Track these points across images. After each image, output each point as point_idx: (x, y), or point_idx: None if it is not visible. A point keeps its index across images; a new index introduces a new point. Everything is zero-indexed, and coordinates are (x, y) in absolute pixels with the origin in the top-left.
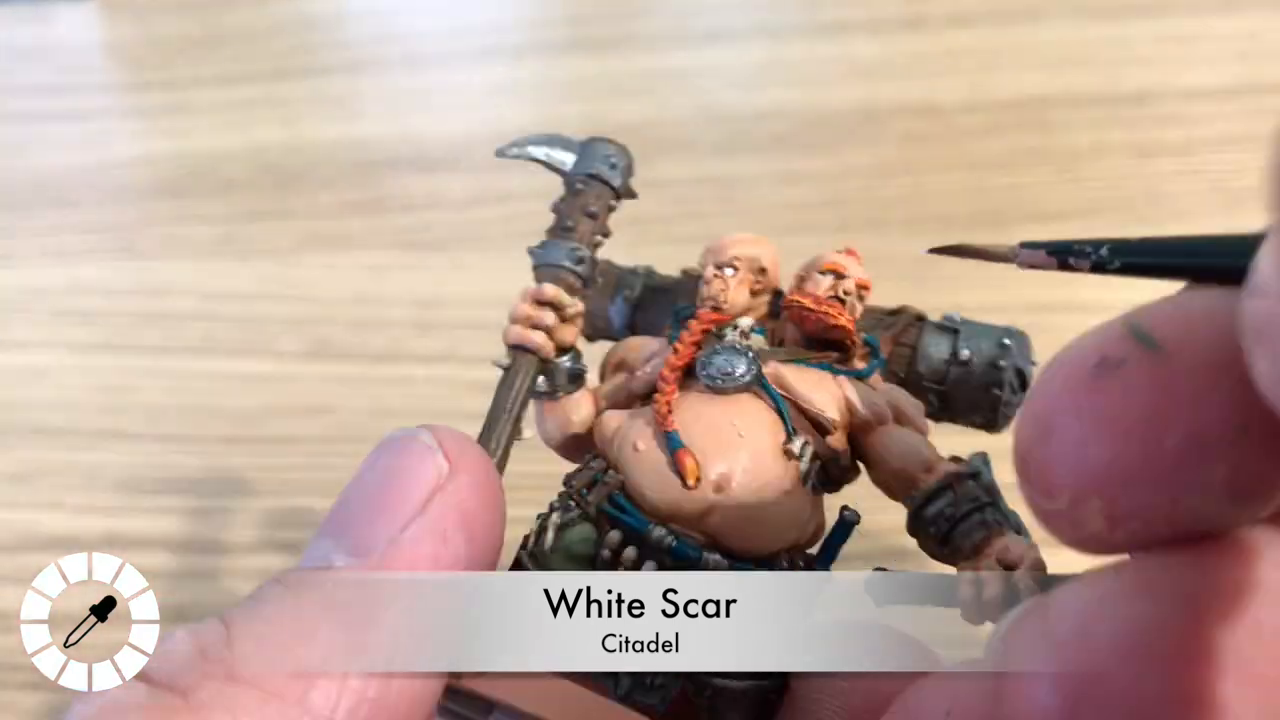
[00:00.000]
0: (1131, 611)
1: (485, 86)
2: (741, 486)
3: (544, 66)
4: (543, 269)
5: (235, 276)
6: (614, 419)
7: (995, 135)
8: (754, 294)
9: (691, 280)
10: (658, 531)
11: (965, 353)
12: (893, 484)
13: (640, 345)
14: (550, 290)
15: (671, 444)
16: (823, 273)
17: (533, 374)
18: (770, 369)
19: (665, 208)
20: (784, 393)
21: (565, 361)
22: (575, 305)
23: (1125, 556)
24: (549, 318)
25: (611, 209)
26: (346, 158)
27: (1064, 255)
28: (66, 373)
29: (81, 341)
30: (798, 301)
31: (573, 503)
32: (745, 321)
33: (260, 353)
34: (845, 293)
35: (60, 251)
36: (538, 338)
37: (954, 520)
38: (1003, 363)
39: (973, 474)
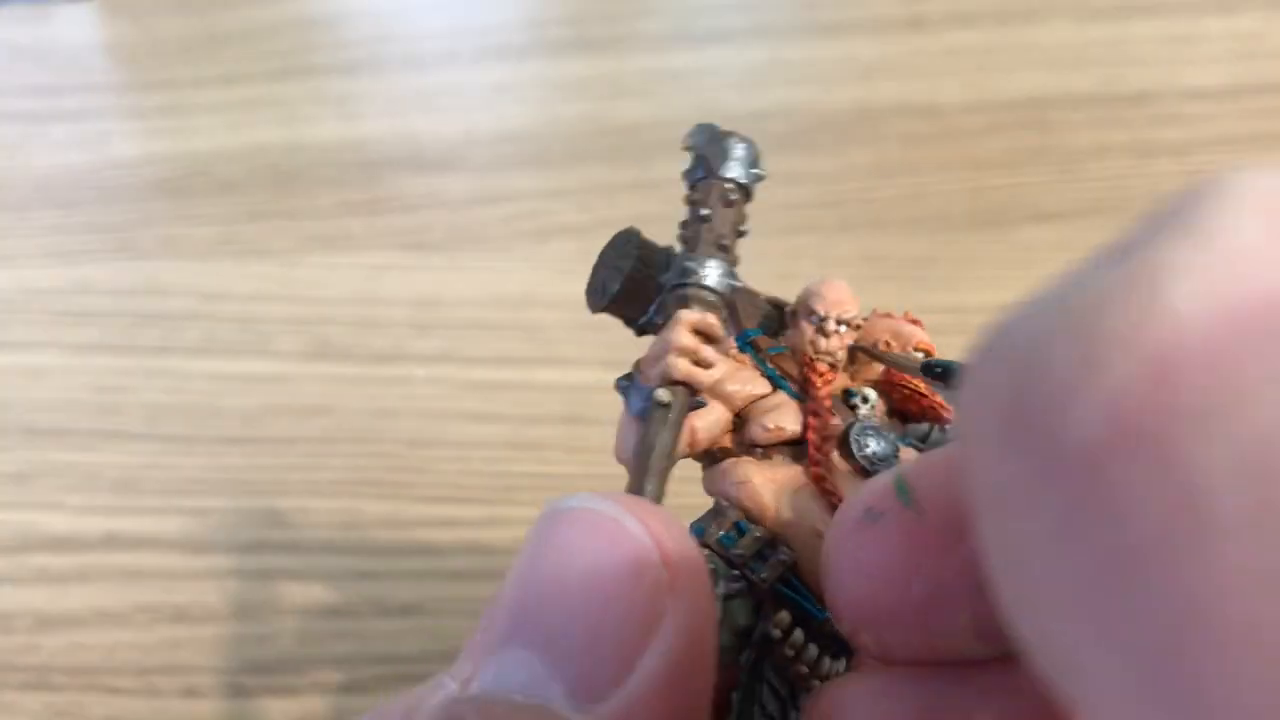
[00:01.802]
0: (877, 711)
1: (485, 86)
2: None
3: (544, 66)
4: (698, 292)
5: (235, 277)
6: (760, 477)
7: (995, 135)
8: (856, 332)
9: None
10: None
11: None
12: None
13: (737, 374)
14: (716, 324)
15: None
16: (917, 349)
17: (686, 410)
18: (902, 451)
19: (665, 208)
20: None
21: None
22: (727, 339)
23: None
24: (708, 351)
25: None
26: (346, 158)
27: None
28: (65, 373)
29: (80, 341)
30: (913, 388)
31: (737, 572)
32: (871, 394)
33: (260, 353)
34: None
35: (59, 251)
36: (703, 376)
37: None
38: None
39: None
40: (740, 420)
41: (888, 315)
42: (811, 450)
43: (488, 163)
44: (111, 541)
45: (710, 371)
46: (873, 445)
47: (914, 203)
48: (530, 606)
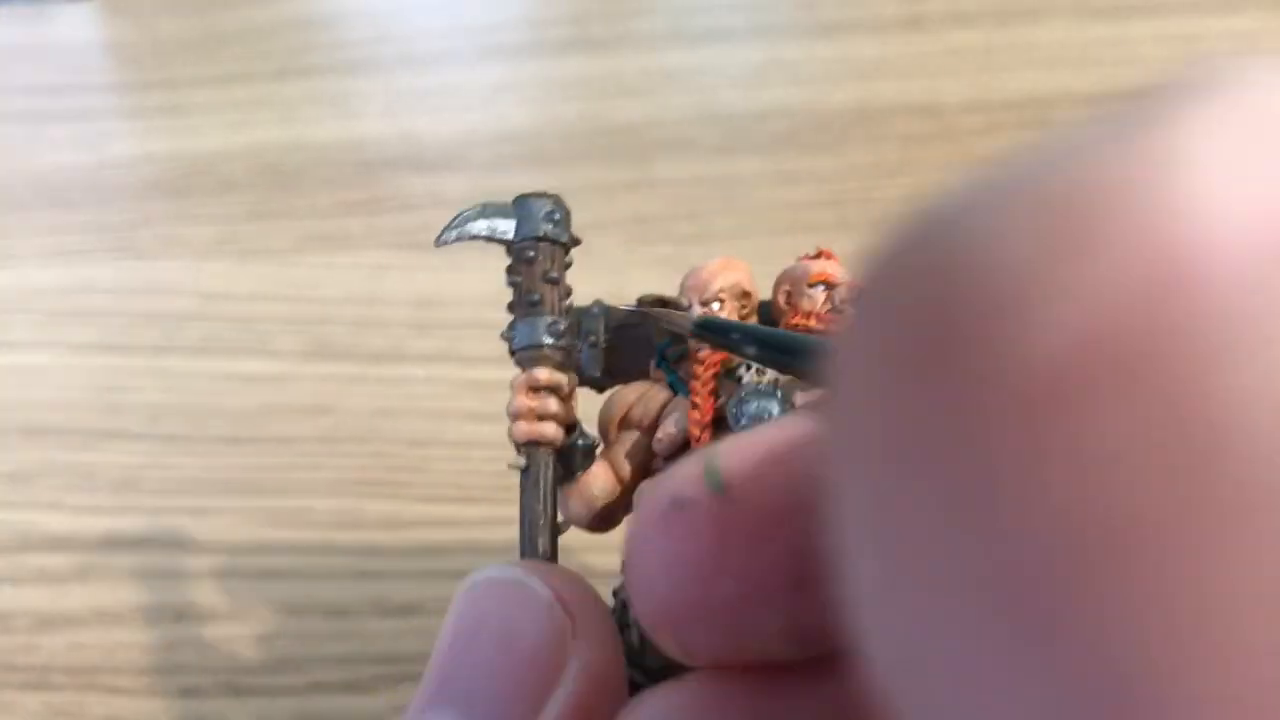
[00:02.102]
0: None
1: (485, 86)
2: None
3: (543, 66)
4: (523, 353)
5: (234, 276)
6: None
7: (996, 135)
8: (743, 320)
9: (650, 309)
10: None
11: None
12: None
13: (641, 397)
14: (545, 375)
15: None
16: (812, 285)
17: (552, 465)
18: (799, 401)
19: (665, 207)
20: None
21: (576, 440)
22: (571, 381)
23: None
24: (552, 404)
25: (567, 265)
26: (346, 157)
27: (714, 336)
28: (65, 373)
29: (80, 341)
30: (801, 325)
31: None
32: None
33: (259, 352)
34: (842, 303)
35: (59, 251)
36: (549, 430)
37: None
38: None
39: None
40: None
41: (812, 257)
42: (691, 441)
43: (487, 162)
44: (111, 541)
45: (554, 422)
46: (750, 409)
47: (914, 202)
48: (450, 669)
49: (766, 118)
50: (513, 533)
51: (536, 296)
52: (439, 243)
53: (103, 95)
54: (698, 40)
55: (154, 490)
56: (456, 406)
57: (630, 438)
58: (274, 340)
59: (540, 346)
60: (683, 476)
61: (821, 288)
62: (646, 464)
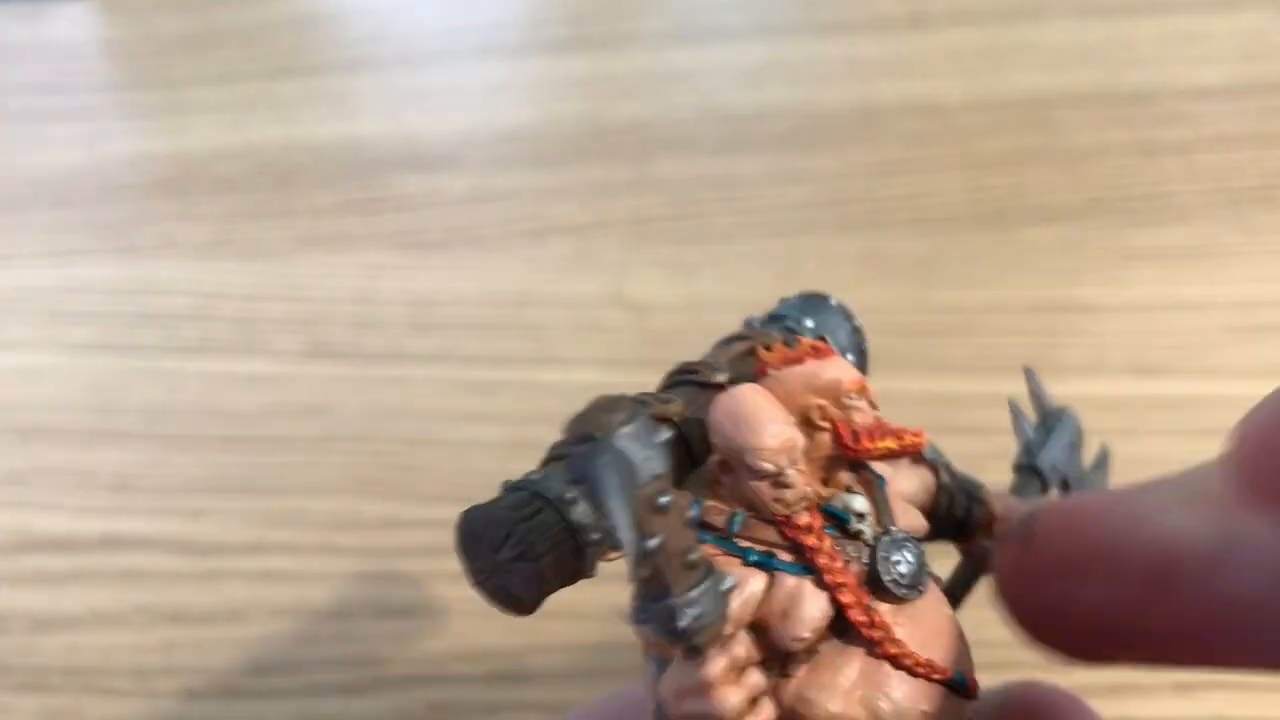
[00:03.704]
0: None
1: (484, 85)
2: (968, 654)
3: (543, 65)
4: (710, 628)
5: (232, 276)
6: (841, 699)
7: (997, 134)
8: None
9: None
10: None
11: None
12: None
13: (740, 589)
14: (742, 649)
15: (959, 684)
16: (856, 396)
17: None
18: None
19: (665, 208)
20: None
21: None
22: (750, 640)
23: None
24: (760, 679)
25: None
26: (344, 157)
27: None
28: (62, 372)
29: (77, 341)
30: (881, 450)
31: None
32: (858, 503)
33: (258, 352)
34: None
35: (56, 250)
36: (768, 714)
37: (962, 518)
38: None
39: (933, 463)
40: (760, 627)
41: (781, 347)
42: (864, 629)
43: (486, 162)
44: (109, 542)
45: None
46: (899, 570)
47: (915, 202)
48: None
49: (766, 118)
50: None
51: (696, 556)
52: (652, 545)
53: (100, 94)
54: (698, 40)
55: (152, 491)
56: (455, 406)
57: (744, 647)
58: (272, 340)
59: (725, 617)
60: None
61: (859, 397)
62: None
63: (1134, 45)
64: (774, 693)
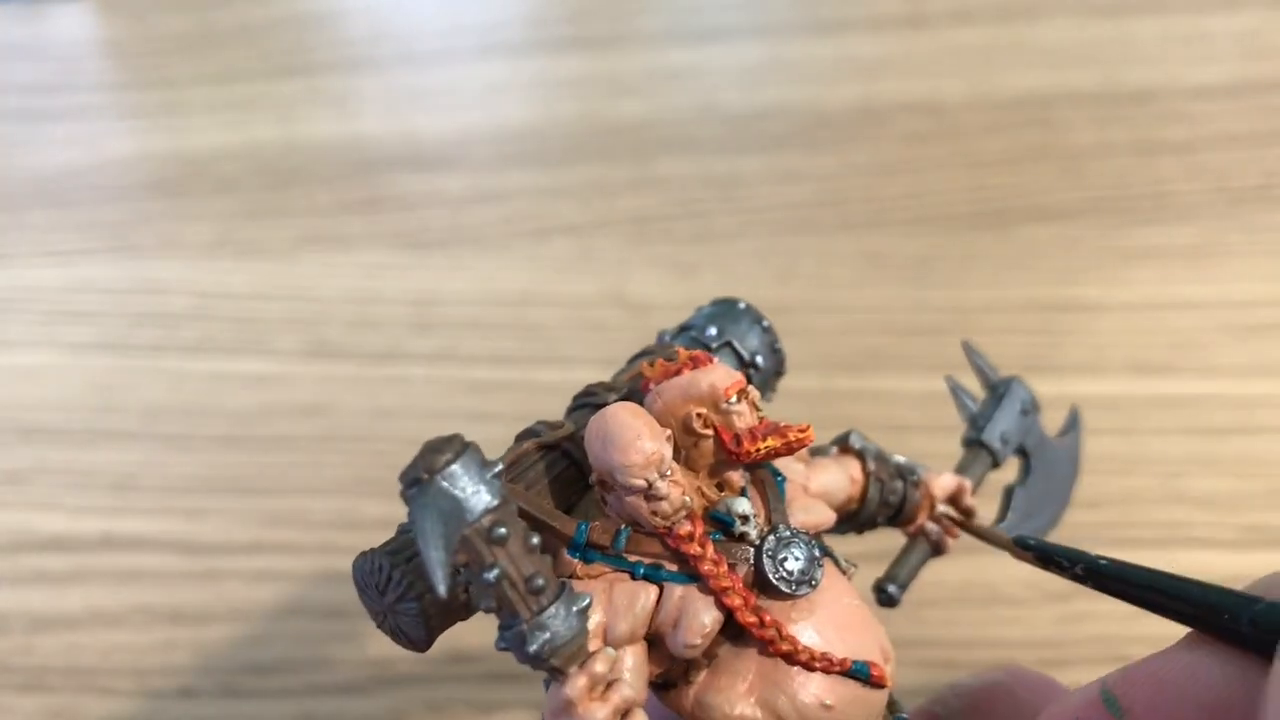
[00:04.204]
0: None
1: (483, 85)
2: (885, 640)
3: (543, 65)
4: (560, 653)
5: (232, 275)
6: (740, 702)
7: (997, 133)
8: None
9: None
10: None
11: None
12: (840, 514)
13: (625, 612)
14: (602, 664)
15: (860, 672)
16: (734, 400)
17: None
18: (797, 523)
19: (665, 207)
20: (820, 537)
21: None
22: (614, 654)
23: None
24: (628, 690)
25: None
26: (344, 157)
27: (1047, 561)
28: (62, 372)
29: (77, 341)
30: (766, 449)
31: None
32: (741, 505)
33: (257, 352)
34: (758, 401)
35: (56, 250)
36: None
37: (897, 503)
38: None
39: (863, 452)
40: (656, 638)
41: (662, 361)
42: (755, 630)
43: (486, 161)
44: (108, 542)
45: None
46: (786, 571)
47: (915, 201)
48: None
49: (766, 117)
50: None
51: (541, 581)
52: (445, 592)
53: (99, 94)
54: (698, 40)
55: (151, 490)
56: (455, 406)
57: (626, 658)
58: (272, 340)
59: (577, 637)
60: (1082, 699)
61: (739, 399)
62: (653, 673)
63: (1134, 44)
64: (677, 700)
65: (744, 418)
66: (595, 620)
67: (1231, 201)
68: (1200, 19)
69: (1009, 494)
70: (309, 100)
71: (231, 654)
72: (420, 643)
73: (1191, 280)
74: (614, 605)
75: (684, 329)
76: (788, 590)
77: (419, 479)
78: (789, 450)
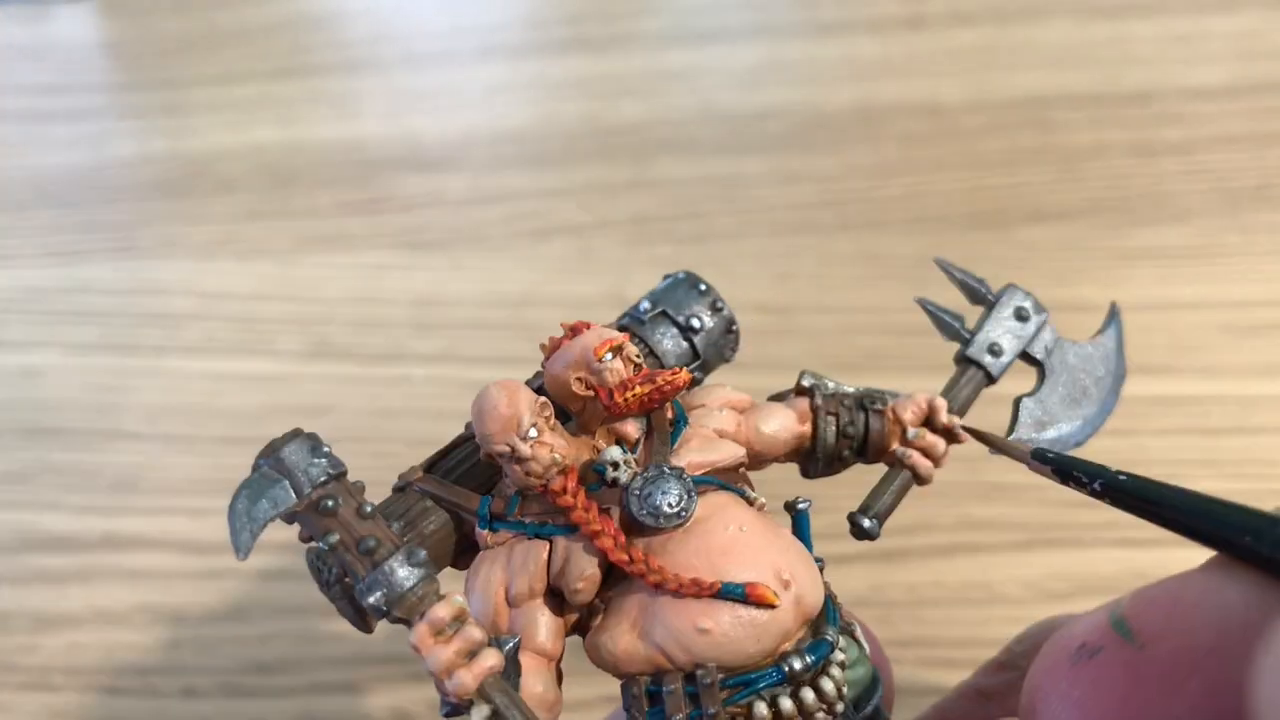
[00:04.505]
0: None
1: (484, 86)
2: (791, 564)
3: (543, 66)
4: (400, 604)
5: (234, 276)
6: (624, 638)
7: (996, 134)
8: (550, 421)
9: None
10: (796, 663)
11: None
12: (788, 453)
13: (512, 568)
14: (444, 610)
15: (733, 592)
16: (605, 356)
17: (511, 690)
18: (683, 464)
19: (665, 207)
20: (713, 473)
21: (507, 647)
22: (462, 601)
23: None
24: (474, 632)
25: (361, 488)
26: (345, 157)
27: (1065, 475)
28: (65, 372)
29: (80, 341)
30: (636, 397)
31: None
32: (611, 454)
33: (259, 352)
34: (636, 356)
35: (58, 251)
36: (492, 659)
37: (859, 434)
38: None
39: (812, 389)
40: (558, 590)
41: (552, 338)
42: (626, 567)
43: (487, 162)
44: (110, 541)
45: (480, 645)
46: (652, 506)
47: (914, 202)
48: None
49: (766, 118)
50: None
51: (372, 541)
52: (243, 556)
53: (102, 95)
54: (698, 40)
55: (153, 490)
56: (456, 406)
57: (530, 612)
58: (274, 340)
59: (414, 588)
60: (1089, 624)
61: (613, 355)
62: (568, 623)
63: (1133, 45)
64: (589, 647)
65: (616, 373)
66: (493, 582)
67: (1230, 202)
68: (1198, 20)
69: (1017, 405)
70: (310, 101)
71: (233, 653)
72: (361, 627)
73: (1191, 280)
74: (511, 565)
75: (626, 313)
76: (654, 524)
77: (258, 465)
78: (661, 394)
